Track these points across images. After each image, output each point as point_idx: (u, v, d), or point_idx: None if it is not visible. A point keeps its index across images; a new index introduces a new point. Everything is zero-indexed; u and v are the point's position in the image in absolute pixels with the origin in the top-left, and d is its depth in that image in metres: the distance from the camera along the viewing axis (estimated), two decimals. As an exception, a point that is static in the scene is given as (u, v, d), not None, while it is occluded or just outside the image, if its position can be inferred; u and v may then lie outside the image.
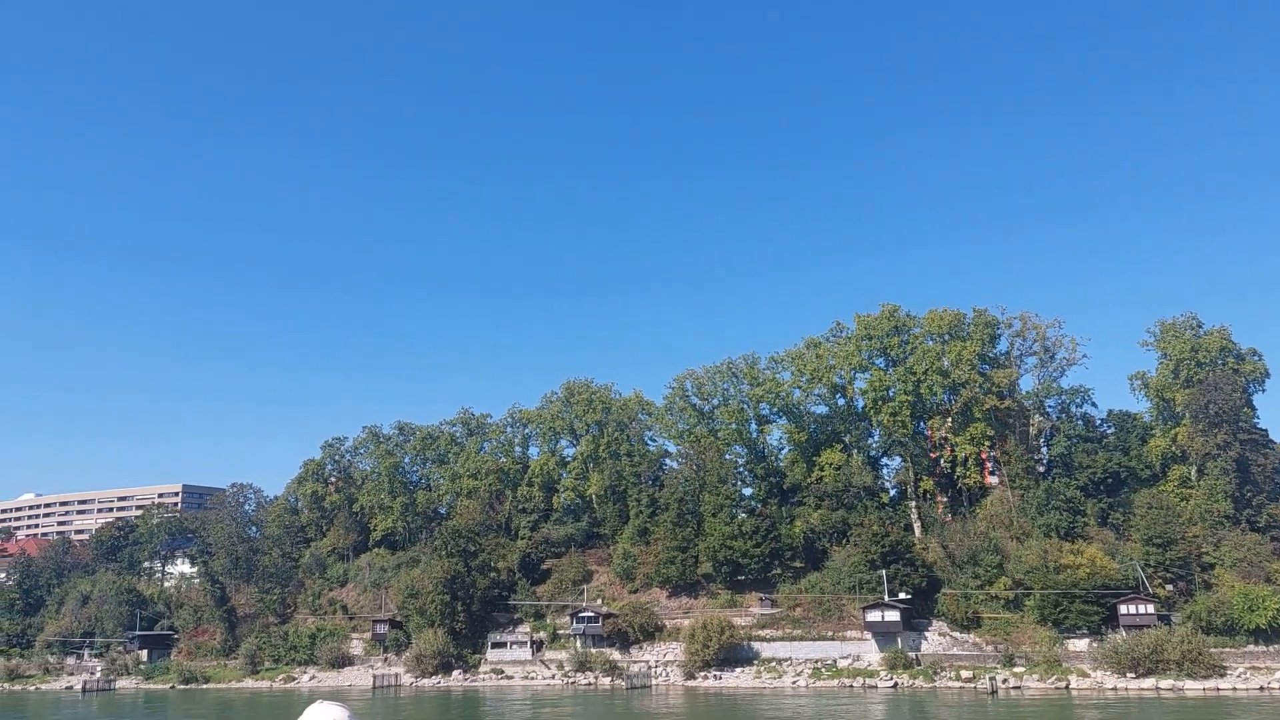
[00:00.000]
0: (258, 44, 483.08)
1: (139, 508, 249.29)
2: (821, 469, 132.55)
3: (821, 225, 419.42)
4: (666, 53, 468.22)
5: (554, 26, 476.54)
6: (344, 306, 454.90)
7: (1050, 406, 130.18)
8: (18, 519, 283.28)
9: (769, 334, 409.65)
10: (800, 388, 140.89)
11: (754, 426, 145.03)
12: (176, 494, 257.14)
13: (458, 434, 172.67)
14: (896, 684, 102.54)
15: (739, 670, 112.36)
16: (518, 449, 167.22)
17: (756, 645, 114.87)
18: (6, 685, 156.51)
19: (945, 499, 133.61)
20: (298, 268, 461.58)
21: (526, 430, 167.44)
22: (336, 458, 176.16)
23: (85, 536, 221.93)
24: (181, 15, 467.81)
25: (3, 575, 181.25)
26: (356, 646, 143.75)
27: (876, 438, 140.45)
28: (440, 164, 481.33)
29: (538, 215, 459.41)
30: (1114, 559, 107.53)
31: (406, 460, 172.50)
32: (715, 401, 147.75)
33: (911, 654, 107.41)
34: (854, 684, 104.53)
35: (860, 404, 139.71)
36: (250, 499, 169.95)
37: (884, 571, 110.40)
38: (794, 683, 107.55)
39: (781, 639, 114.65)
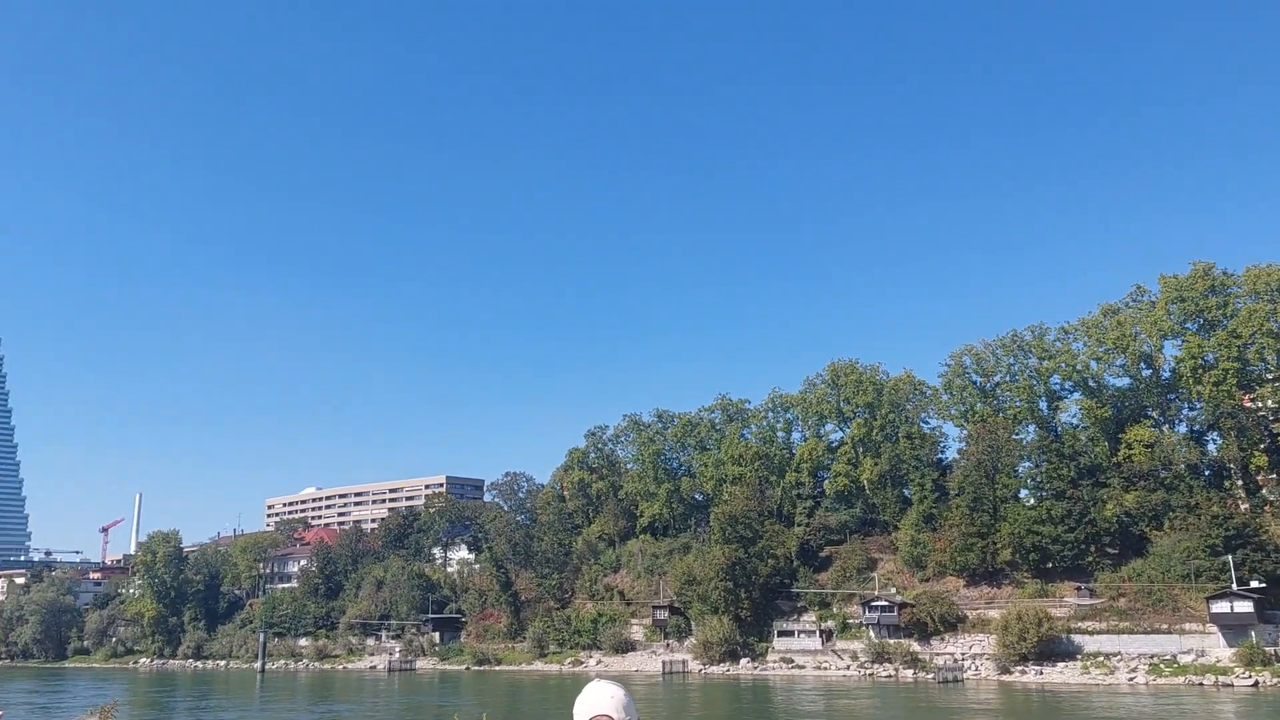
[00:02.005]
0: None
1: (408, 499, 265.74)
2: (1130, 446, 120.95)
3: (1122, 183, 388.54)
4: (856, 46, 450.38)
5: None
6: (587, 299, 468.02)
7: None
8: (302, 510, 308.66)
9: (1033, 306, 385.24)
10: (1098, 359, 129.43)
11: (1044, 403, 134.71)
12: (441, 485, 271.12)
13: (716, 420, 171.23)
14: (1257, 683, 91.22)
15: (1060, 665, 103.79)
16: (780, 434, 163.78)
17: (1077, 639, 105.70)
18: (317, 664, 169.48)
19: (1276, 476, 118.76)
20: (549, 268, 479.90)
21: (788, 414, 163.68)
22: (599, 446, 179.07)
23: (366, 526, 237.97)
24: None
25: (305, 562, 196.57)
26: (636, 632, 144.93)
27: (1190, 410, 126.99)
28: (679, 157, 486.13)
29: (787, 200, 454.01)
30: None
31: (667, 447, 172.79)
32: (998, 378, 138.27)
33: (1270, 649, 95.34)
34: (1203, 682, 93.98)
35: (1166, 374, 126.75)
36: (523, 487, 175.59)
37: (1229, 558, 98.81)
38: (1130, 680, 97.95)
39: (1106, 632, 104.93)
